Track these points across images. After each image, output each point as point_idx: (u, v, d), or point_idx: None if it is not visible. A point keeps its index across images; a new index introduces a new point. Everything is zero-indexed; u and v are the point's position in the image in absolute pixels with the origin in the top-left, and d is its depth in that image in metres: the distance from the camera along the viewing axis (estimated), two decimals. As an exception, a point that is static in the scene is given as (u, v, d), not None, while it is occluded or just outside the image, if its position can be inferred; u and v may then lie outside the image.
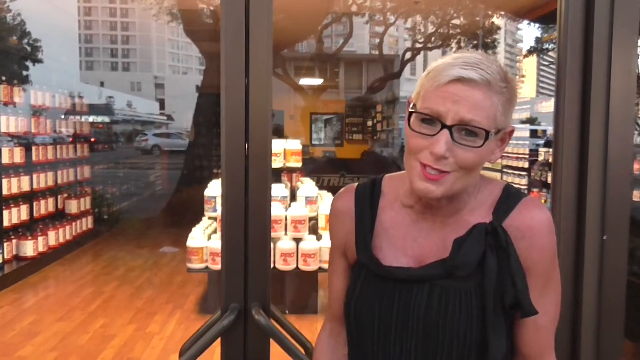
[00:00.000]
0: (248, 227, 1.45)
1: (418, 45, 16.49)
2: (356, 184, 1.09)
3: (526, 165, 6.88)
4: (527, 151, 6.97)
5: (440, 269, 0.95)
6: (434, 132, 0.89)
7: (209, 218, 4.68)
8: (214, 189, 4.60)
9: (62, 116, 7.33)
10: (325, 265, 4.42)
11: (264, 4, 1.42)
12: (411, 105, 0.95)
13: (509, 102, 0.92)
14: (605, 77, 1.46)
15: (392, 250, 0.99)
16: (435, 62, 0.94)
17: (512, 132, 0.96)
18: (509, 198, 0.98)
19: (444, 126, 0.88)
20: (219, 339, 1.47)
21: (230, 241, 1.46)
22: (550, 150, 6.79)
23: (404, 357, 0.96)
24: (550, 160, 6.13)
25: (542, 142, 11.23)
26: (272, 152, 5.00)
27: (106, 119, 29.02)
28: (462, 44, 16.00)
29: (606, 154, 1.46)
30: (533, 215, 0.95)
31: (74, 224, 6.68)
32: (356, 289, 1.02)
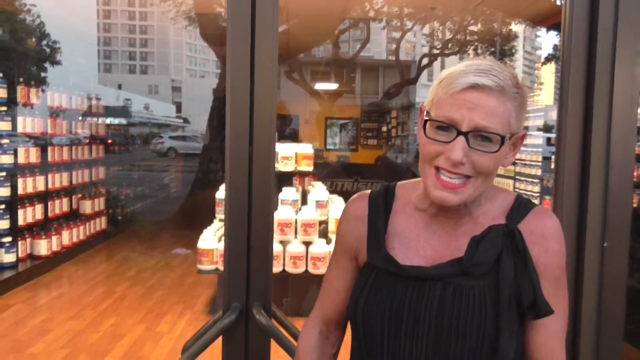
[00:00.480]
0: (251, 228, 1.47)
1: (435, 52, 16.44)
2: (369, 190, 1.11)
3: (539, 172, 6.83)
4: (540, 158, 6.92)
5: (454, 268, 0.95)
6: (449, 138, 0.91)
7: (220, 220, 4.72)
8: (224, 191, 4.64)
9: (80, 118, 7.44)
10: (335, 270, 4.43)
11: (269, 9, 1.44)
12: (425, 113, 0.96)
13: (521, 107, 0.94)
14: (608, 85, 1.46)
15: (405, 250, 1.01)
16: (448, 70, 0.95)
17: (524, 136, 0.98)
18: (522, 206, 1.00)
19: (459, 133, 0.90)
20: (220, 338, 1.50)
21: (234, 242, 1.48)
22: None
23: (415, 355, 0.96)
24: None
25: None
26: (284, 155, 5.04)
27: (123, 121, 29.35)
28: (480, 51, 15.94)
29: (608, 161, 1.47)
30: (546, 222, 0.98)
31: (87, 224, 6.77)
32: (365, 289, 1.02)
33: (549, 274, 0.96)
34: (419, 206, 1.03)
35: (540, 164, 6.88)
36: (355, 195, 1.12)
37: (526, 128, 0.95)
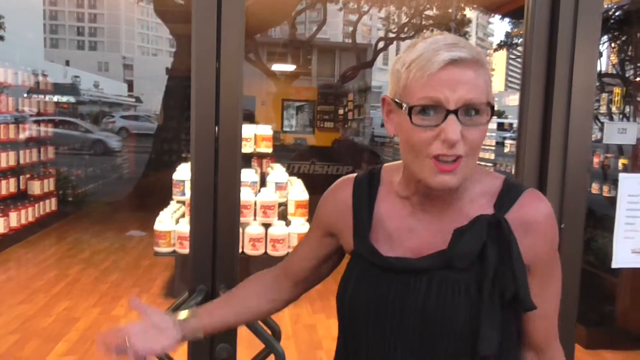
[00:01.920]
0: (217, 210, 1.46)
1: (391, 35, 16.53)
2: (355, 174, 1.08)
3: (492, 156, 7.04)
4: (493, 143, 7.12)
5: (439, 260, 0.93)
6: (438, 121, 0.86)
7: (177, 202, 4.65)
8: (182, 172, 4.57)
9: (25, 95, 7.14)
10: (293, 251, 4.45)
11: (237, -12, 1.42)
12: (392, 103, 0.92)
13: (489, 75, 0.92)
14: (568, 72, 1.51)
15: (389, 241, 0.98)
16: (410, 53, 0.89)
17: (493, 107, 0.93)
18: (511, 190, 0.97)
19: (449, 112, 0.85)
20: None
21: (199, 224, 1.47)
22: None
23: (400, 349, 0.94)
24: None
25: (508, 135, 11.47)
26: (243, 137, 4.98)
27: (72, 99, 28.31)
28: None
29: (566, 146, 1.52)
30: (537, 207, 0.95)
31: (37, 205, 6.54)
32: (350, 280, 1.00)
33: (542, 260, 0.95)
34: (402, 194, 1.00)
35: (493, 148, 7.08)
36: (340, 179, 1.10)
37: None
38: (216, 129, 1.45)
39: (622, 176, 1.63)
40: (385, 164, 1.08)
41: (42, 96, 7.43)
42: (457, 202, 0.96)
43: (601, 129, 3.71)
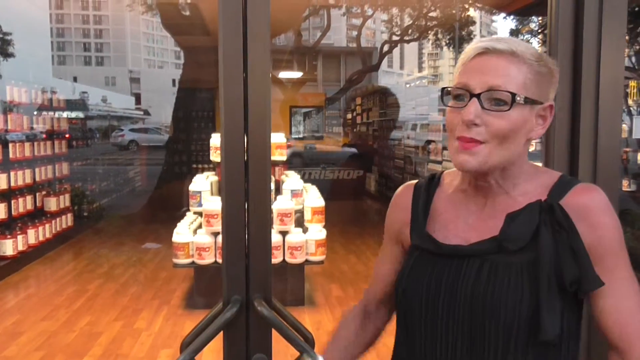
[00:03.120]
0: (249, 219, 1.46)
1: (395, 38, 16.52)
2: (416, 180, 1.14)
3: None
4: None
5: (491, 246, 0.95)
6: (465, 103, 0.93)
7: (194, 213, 4.67)
8: (199, 183, 4.58)
9: (35, 112, 7.20)
10: (312, 258, 4.45)
11: (261, -3, 1.42)
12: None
13: (544, 77, 0.94)
14: (595, 67, 1.50)
15: (444, 232, 1.02)
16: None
17: (551, 107, 0.97)
18: (566, 183, 0.98)
19: (472, 96, 0.92)
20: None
21: (231, 233, 1.46)
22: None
23: (452, 333, 0.97)
24: (529, 149, 6.20)
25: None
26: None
27: (80, 114, 28.54)
28: (440, 36, 16.09)
29: (596, 144, 1.51)
30: (591, 195, 0.95)
31: (53, 221, 6.59)
32: (406, 268, 1.05)
33: (601, 249, 0.93)
34: (460, 187, 1.05)
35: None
36: (402, 186, 1.16)
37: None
38: (245, 138, 1.45)
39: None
40: (447, 171, 1.13)
41: (51, 113, 7.48)
42: (509, 194, 0.99)
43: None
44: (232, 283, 1.46)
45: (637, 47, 4.17)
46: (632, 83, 3.80)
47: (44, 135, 7.13)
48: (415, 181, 1.14)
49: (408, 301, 1.03)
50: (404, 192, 1.13)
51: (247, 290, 1.47)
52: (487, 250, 0.95)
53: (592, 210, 0.94)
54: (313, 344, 1.52)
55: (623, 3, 1.48)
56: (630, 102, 3.72)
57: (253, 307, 1.44)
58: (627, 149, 3.94)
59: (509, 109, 0.91)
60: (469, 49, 0.95)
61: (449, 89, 0.97)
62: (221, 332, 1.48)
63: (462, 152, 0.93)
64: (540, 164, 1.42)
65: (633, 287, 0.96)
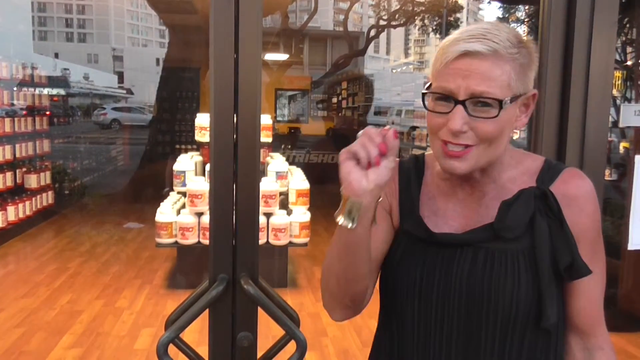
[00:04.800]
0: (237, 198, 1.45)
1: (382, 23, 16.45)
2: (398, 159, 1.07)
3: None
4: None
5: (485, 233, 0.94)
6: (449, 109, 0.89)
7: (178, 192, 4.64)
8: (183, 163, 4.55)
9: (15, 88, 7.05)
10: (296, 240, 4.46)
11: (254, -27, 1.40)
12: (426, 85, 0.95)
13: (526, 67, 0.91)
14: (586, 55, 1.50)
15: (434, 219, 1.00)
16: (445, 39, 0.93)
17: (535, 95, 0.95)
18: (552, 168, 0.98)
19: (457, 102, 0.88)
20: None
21: (219, 212, 1.45)
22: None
23: (446, 323, 0.95)
24: (513, 137, 6.26)
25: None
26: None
27: (62, 91, 28.05)
28: (427, 22, 16.05)
29: (584, 131, 1.52)
30: (578, 183, 0.96)
31: (34, 199, 6.50)
32: (396, 255, 1.01)
33: (584, 236, 0.94)
34: (443, 176, 1.02)
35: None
36: None
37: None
38: (235, 118, 1.43)
39: (638, 158, 1.63)
40: (427, 152, 1.09)
41: (32, 89, 7.34)
42: (497, 182, 0.98)
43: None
44: (218, 261, 1.46)
45: (624, 39, 4.22)
46: (617, 74, 3.85)
47: (24, 112, 7.00)
48: (397, 159, 1.07)
49: (399, 290, 1.00)
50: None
51: (233, 268, 1.46)
52: (482, 239, 0.94)
53: (580, 197, 0.95)
54: (298, 323, 1.53)
55: (615, -10, 1.49)
56: (615, 92, 3.77)
57: (239, 285, 1.44)
58: (610, 139, 3.98)
59: (497, 115, 0.88)
60: (449, 48, 0.90)
61: (427, 93, 0.93)
62: (206, 311, 1.48)
63: (450, 159, 0.91)
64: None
65: (603, 273, 0.99)
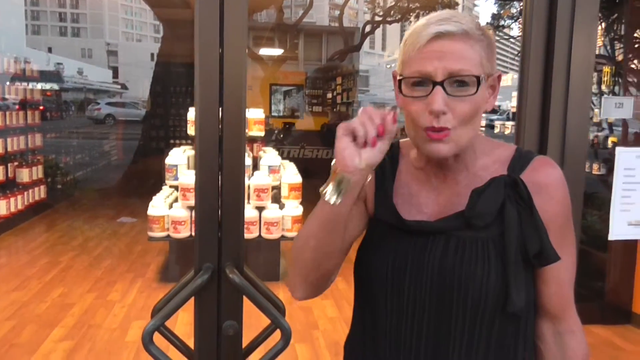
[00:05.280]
0: (222, 189, 1.47)
1: (378, 19, 16.44)
2: None
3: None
4: (483, 124, 7.18)
5: (457, 221, 0.95)
6: (427, 92, 0.90)
7: (170, 186, 4.64)
8: (175, 157, 4.55)
9: (7, 82, 7.03)
10: (288, 234, 4.47)
11: (239, -34, 1.41)
12: (397, 76, 0.95)
13: (490, 48, 0.93)
14: (567, 48, 1.53)
15: (408, 207, 1.01)
16: (410, 28, 0.95)
17: (499, 77, 0.97)
18: (522, 156, 1.00)
19: (435, 84, 0.89)
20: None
21: (204, 202, 1.47)
22: (505, 122, 7.00)
23: (418, 310, 0.97)
24: (505, 132, 6.32)
25: (496, 117, 11.50)
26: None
27: (55, 86, 27.96)
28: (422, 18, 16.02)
29: (565, 123, 1.54)
30: (548, 171, 0.98)
31: (26, 193, 6.49)
32: (369, 243, 1.03)
33: (554, 223, 0.96)
34: (417, 165, 1.03)
35: (483, 129, 7.13)
36: None
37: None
38: (220, 110, 1.45)
39: (618, 150, 1.66)
40: (402, 139, 1.09)
41: (25, 83, 7.31)
42: (470, 170, 0.99)
43: (592, 109, 3.76)
44: (204, 251, 1.48)
45: (613, 35, 4.26)
46: (606, 69, 3.88)
47: (17, 107, 6.98)
48: None
49: (372, 277, 1.01)
50: None
51: (219, 258, 1.48)
52: (453, 227, 0.96)
53: (550, 185, 0.97)
54: (284, 313, 1.55)
55: (596, -15, 1.51)
56: (603, 87, 3.80)
57: (225, 274, 1.46)
58: (599, 134, 4.02)
59: (475, 92, 0.90)
60: (420, 32, 0.91)
61: (402, 77, 0.93)
62: (193, 300, 1.50)
63: (435, 142, 0.91)
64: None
65: (573, 259, 1.01)
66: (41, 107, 7.89)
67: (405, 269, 0.97)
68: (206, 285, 1.46)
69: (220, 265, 1.48)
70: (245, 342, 1.56)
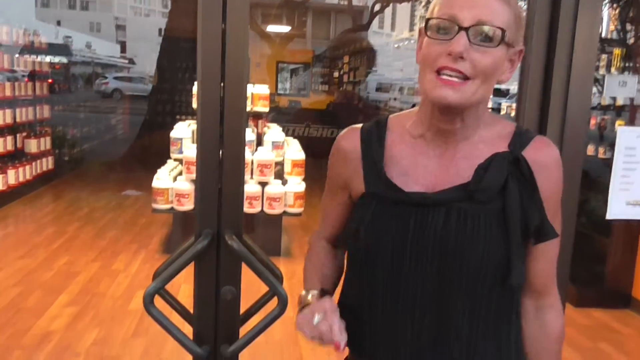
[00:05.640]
0: (223, 157, 1.49)
1: (388, -4, 16.24)
2: (360, 125, 1.09)
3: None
4: (490, 106, 7.15)
5: (457, 194, 0.96)
6: (451, 36, 0.90)
7: (175, 160, 4.68)
8: (179, 130, 4.59)
9: (17, 54, 7.04)
10: (290, 210, 4.51)
11: None
12: (423, 30, 0.96)
13: (520, 22, 0.95)
14: (571, 29, 1.53)
15: (404, 178, 1.00)
16: None
17: (521, 52, 0.98)
18: (523, 134, 1.01)
19: (460, 29, 0.90)
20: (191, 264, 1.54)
21: (205, 169, 1.50)
22: (513, 104, 6.97)
23: (421, 286, 0.97)
24: (512, 113, 6.30)
25: (503, 100, 11.43)
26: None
27: (64, 59, 27.91)
28: (433, -2, 15.84)
29: (566, 104, 1.55)
30: (548, 151, 1.00)
31: (34, 163, 6.55)
32: (365, 219, 1.01)
33: (549, 201, 0.98)
34: (414, 133, 1.03)
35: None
36: (346, 129, 1.11)
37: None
38: (222, 85, 1.47)
39: (620, 129, 1.67)
40: (392, 115, 1.10)
41: (34, 55, 7.32)
42: (469, 140, 1.00)
43: (600, 92, 3.72)
44: (204, 217, 1.51)
45: (625, 17, 4.21)
46: (617, 51, 3.84)
47: (25, 79, 7.00)
48: (359, 125, 1.09)
49: (371, 252, 1.00)
50: (350, 138, 1.08)
51: (218, 224, 1.52)
52: (454, 199, 0.96)
53: (549, 164, 0.99)
54: (282, 281, 1.58)
55: (600, -37, 1.51)
56: (612, 70, 3.76)
57: (224, 240, 1.49)
58: (606, 117, 4.00)
59: (496, 46, 0.91)
60: None
61: (432, 20, 0.93)
62: (192, 265, 1.54)
63: (445, 86, 0.91)
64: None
65: (559, 238, 1.03)
66: (50, 80, 7.91)
67: (406, 239, 0.97)
68: (205, 250, 1.49)
69: (220, 232, 1.52)
70: (243, 310, 1.61)
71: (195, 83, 4.84)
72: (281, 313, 1.48)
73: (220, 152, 1.50)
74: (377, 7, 15.74)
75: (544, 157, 0.99)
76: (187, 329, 1.54)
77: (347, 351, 1.10)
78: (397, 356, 1.00)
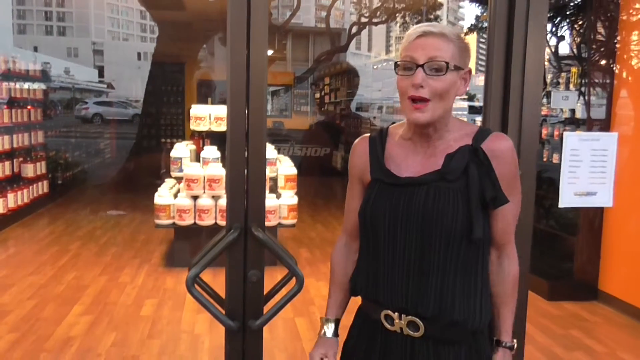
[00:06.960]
0: (249, 164, 1.83)
1: (364, 20, 16.82)
2: (368, 134, 1.48)
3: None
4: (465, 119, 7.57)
5: (434, 176, 1.33)
6: (413, 72, 1.29)
7: (174, 178, 5.00)
8: (180, 150, 4.91)
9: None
10: (284, 222, 4.84)
11: (262, -14, 1.78)
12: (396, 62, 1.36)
13: (463, 50, 1.33)
14: (522, 52, 1.91)
15: (397, 169, 1.39)
16: (409, 30, 1.35)
17: (470, 71, 1.36)
18: (483, 132, 1.38)
19: (418, 66, 1.28)
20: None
21: (235, 174, 1.83)
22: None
23: (409, 242, 1.33)
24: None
25: (478, 117, 11.93)
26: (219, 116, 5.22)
27: (42, 85, 27.91)
28: (407, 19, 16.42)
29: (521, 114, 1.93)
30: (501, 142, 1.35)
31: (30, 187, 6.79)
32: (370, 197, 1.39)
33: (503, 178, 1.33)
34: (405, 137, 1.41)
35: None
36: (359, 137, 1.51)
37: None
38: (246, 110, 1.81)
39: (565, 134, 2.05)
40: (391, 125, 1.51)
41: (12, 83, 7.27)
42: (444, 140, 1.38)
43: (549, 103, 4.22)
44: (234, 213, 1.84)
45: (579, 39, 4.67)
46: (574, 69, 4.28)
47: (4, 106, 7.02)
48: (368, 134, 1.50)
49: (373, 222, 1.37)
50: (361, 143, 1.49)
51: (245, 219, 1.85)
52: (432, 180, 1.34)
53: (503, 151, 1.36)
54: (296, 264, 1.92)
55: (544, 3, 1.90)
56: (571, 87, 4.20)
57: (250, 232, 1.82)
58: (567, 128, 4.42)
59: (444, 73, 1.30)
60: (412, 32, 1.31)
61: (399, 62, 1.32)
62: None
63: (416, 111, 1.31)
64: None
65: (518, 204, 1.41)
66: (29, 107, 7.96)
67: (399, 210, 1.35)
68: (235, 241, 1.82)
69: (246, 225, 1.85)
70: (265, 291, 1.93)
71: (193, 105, 5.18)
72: (299, 290, 1.81)
73: (246, 162, 1.84)
74: (354, 29, 16.29)
75: (497, 147, 1.35)
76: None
77: (359, 300, 1.50)
78: (393, 294, 1.37)
